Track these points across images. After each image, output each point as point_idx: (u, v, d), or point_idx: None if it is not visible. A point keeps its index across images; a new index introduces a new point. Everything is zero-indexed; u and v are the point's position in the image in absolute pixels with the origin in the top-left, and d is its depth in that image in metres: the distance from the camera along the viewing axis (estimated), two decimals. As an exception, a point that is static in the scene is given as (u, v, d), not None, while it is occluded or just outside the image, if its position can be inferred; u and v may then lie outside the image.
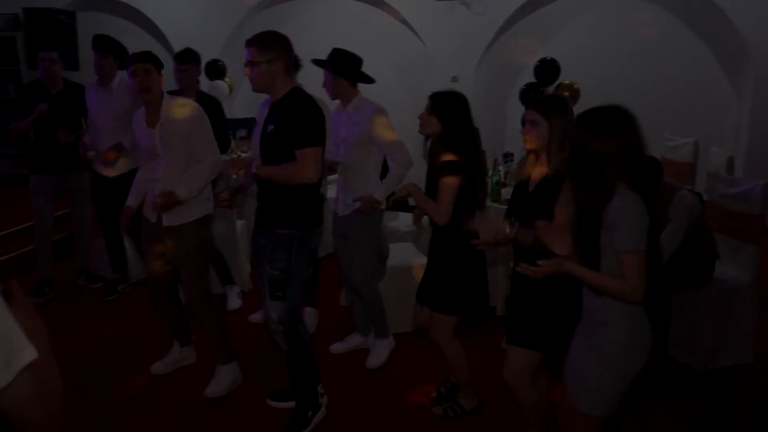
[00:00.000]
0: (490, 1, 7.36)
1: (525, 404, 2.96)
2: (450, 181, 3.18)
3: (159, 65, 3.77)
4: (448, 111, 3.31)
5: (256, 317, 4.80)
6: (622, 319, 2.26)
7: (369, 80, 4.01)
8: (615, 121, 2.23)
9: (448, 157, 3.23)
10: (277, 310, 3.31)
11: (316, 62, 3.97)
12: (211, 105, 4.72)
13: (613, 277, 2.19)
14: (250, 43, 3.19)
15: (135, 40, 7.30)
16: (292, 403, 3.63)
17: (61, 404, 1.35)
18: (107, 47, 4.97)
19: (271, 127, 3.22)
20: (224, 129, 4.90)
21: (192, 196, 3.68)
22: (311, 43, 7.27)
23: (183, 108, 3.72)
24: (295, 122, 3.14)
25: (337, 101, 4.08)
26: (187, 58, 4.86)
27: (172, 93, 4.57)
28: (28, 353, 1.29)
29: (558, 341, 2.78)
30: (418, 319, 3.82)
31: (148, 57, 3.72)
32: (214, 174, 3.82)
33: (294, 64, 4.36)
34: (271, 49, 3.14)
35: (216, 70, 7.25)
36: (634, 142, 2.22)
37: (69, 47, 7.98)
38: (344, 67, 3.93)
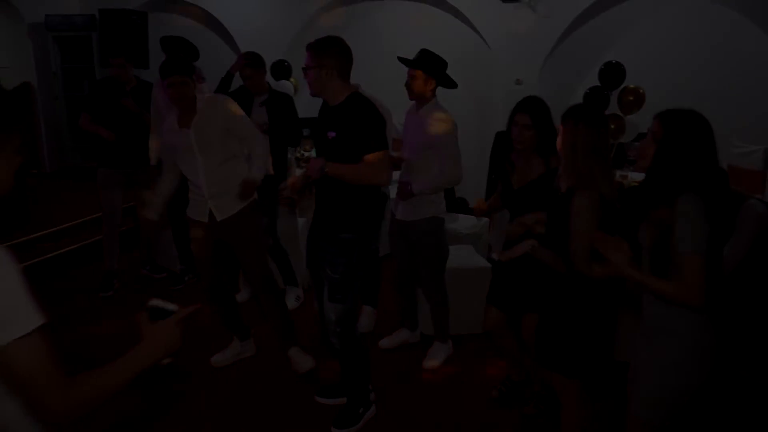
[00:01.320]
0: (556, 3, 7.29)
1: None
2: None
3: (191, 72, 3.81)
4: (546, 117, 3.29)
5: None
6: (688, 329, 2.25)
7: (453, 84, 4.03)
8: (694, 126, 2.23)
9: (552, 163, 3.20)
10: (336, 311, 3.36)
11: (405, 61, 3.97)
12: (283, 100, 4.91)
13: (671, 281, 2.18)
14: (307, 47, 3.26)
15: (203, 41, 7.48)
16: (340, 400, 3.71)
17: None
18: (178, 48, 5.16)
19: (332, 134, 3.23)
20: (296, 123, 4.98)
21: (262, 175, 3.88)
22: (376, 46, 7.37)
23: (213, 105, 3.81)
24: (363, 127, 3.17)
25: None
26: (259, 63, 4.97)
27: (236, 91, 4.74)
28: (35, 319, 1.37)
29: (587, 369, 2.75)
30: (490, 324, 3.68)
31: (181, 69, 3.74)
32: (267, 151, 3.99)
33: None
34: (325, 54, 3.18)
35: (282, 70, 7.38)
36: (707, 150, 2.22)
37: (140, 47, 8.27)
38: (436, 68, 3.94)
